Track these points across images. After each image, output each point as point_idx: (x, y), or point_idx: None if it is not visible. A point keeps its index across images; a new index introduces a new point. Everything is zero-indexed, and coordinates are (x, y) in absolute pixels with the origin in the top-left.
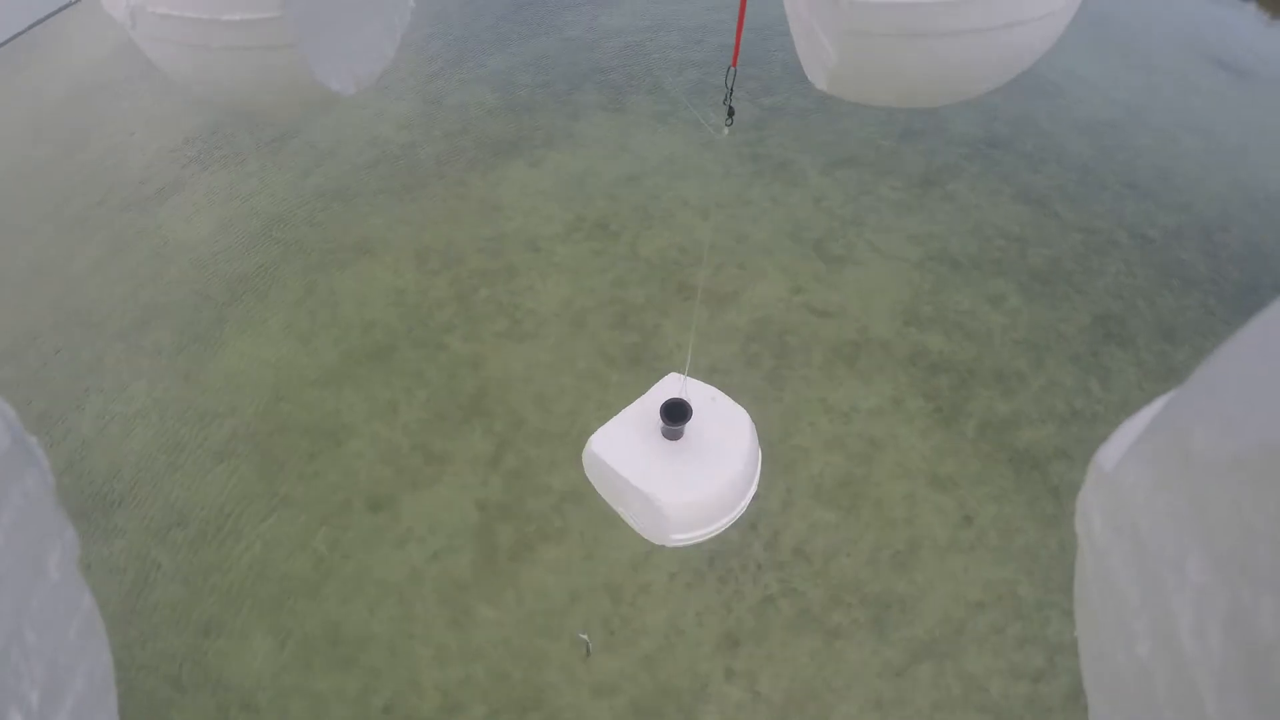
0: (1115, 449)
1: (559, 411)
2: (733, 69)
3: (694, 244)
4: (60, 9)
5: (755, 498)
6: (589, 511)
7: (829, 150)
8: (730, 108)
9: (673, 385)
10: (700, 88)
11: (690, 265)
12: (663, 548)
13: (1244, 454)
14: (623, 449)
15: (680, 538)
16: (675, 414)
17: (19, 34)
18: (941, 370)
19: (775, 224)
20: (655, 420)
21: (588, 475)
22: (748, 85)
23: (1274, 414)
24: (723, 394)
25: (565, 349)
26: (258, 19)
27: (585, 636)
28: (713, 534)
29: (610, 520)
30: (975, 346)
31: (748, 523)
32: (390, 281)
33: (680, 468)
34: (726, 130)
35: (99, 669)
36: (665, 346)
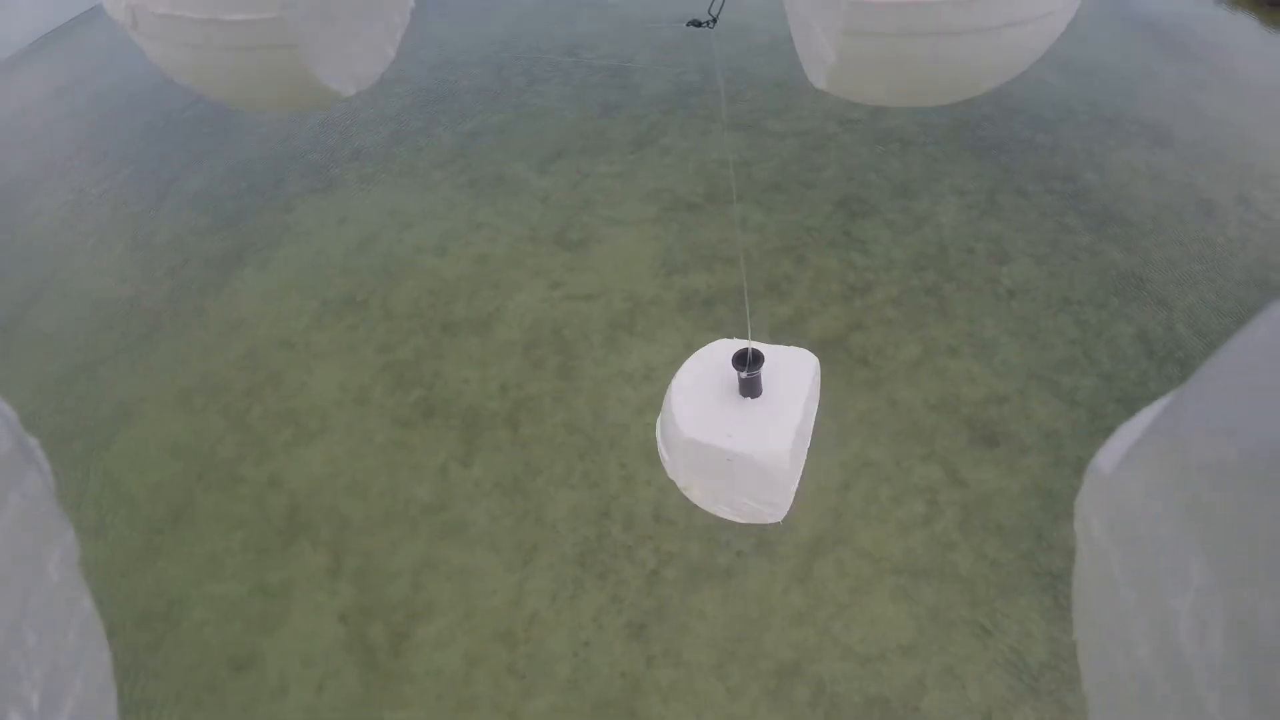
0: (1113, 452)
1: (376, 492)
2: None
3: (441, 283)
4: None
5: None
6: (444, 573)
7: (537, 150)
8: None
9: (714, 353)
10: (399, 136)
11: (446, 303)
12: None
13: (1240, 457)
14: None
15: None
16: (749, 363)
17: None
18: (716, 301)
19: (512, 234)
20: (719, 386)
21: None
22: (442, 118)
23: (1270, 418)
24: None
25: (357, 431)
26: (258, 19)
27: None
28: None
29: (471, 570)
30: (737, 269)
31: (599, 512)
32: (162, 438)
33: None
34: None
35: (99, 670)
36: (452, 388)
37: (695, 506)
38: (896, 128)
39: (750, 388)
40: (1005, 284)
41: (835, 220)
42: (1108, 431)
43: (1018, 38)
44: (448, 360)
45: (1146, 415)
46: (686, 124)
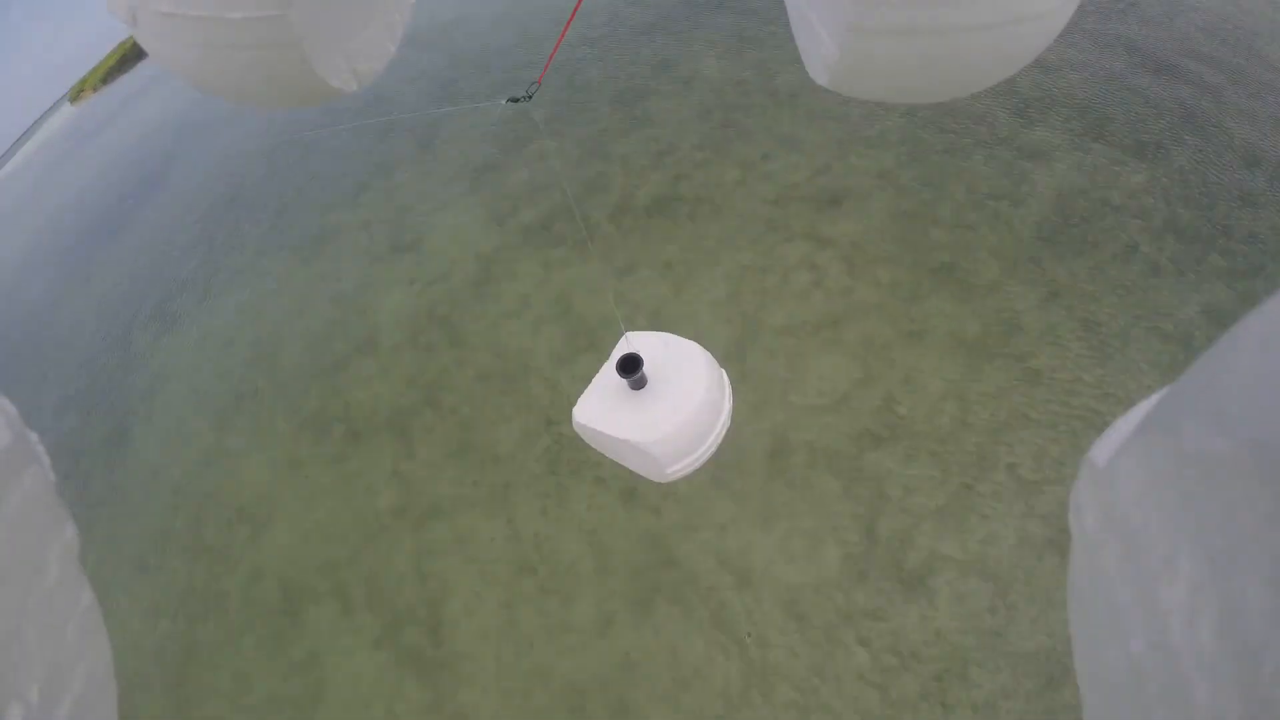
0: (1108, 445)
1: (346, 525)
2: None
3: (313, 335)
4: None
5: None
6: (440, 552)
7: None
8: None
9: (622, 346)
10: (211, 249)
11: (326, 346)
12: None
13: (1236, 451)
14: (600, 411)
15: (676, 469)
16: (630, 366)
17: None
18: (552, 221)
19: (355, 266)
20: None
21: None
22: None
23: (1266, 411)
24: (673, 336)
25: (304, 490)
26: (260, 17)
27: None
28: (703, 458)
29: (463, 535)
30: (554, 193)
31: (545, 421)
32: (134, 609)
33: (652, 409)
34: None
35: (99, 666)
36: (366, 406)
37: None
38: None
39: (637, 385)
40: (783, 92)
41: (619, 114)
42: None
43: (1023, 32)
44: (351, 389)
45: (1142, 409)
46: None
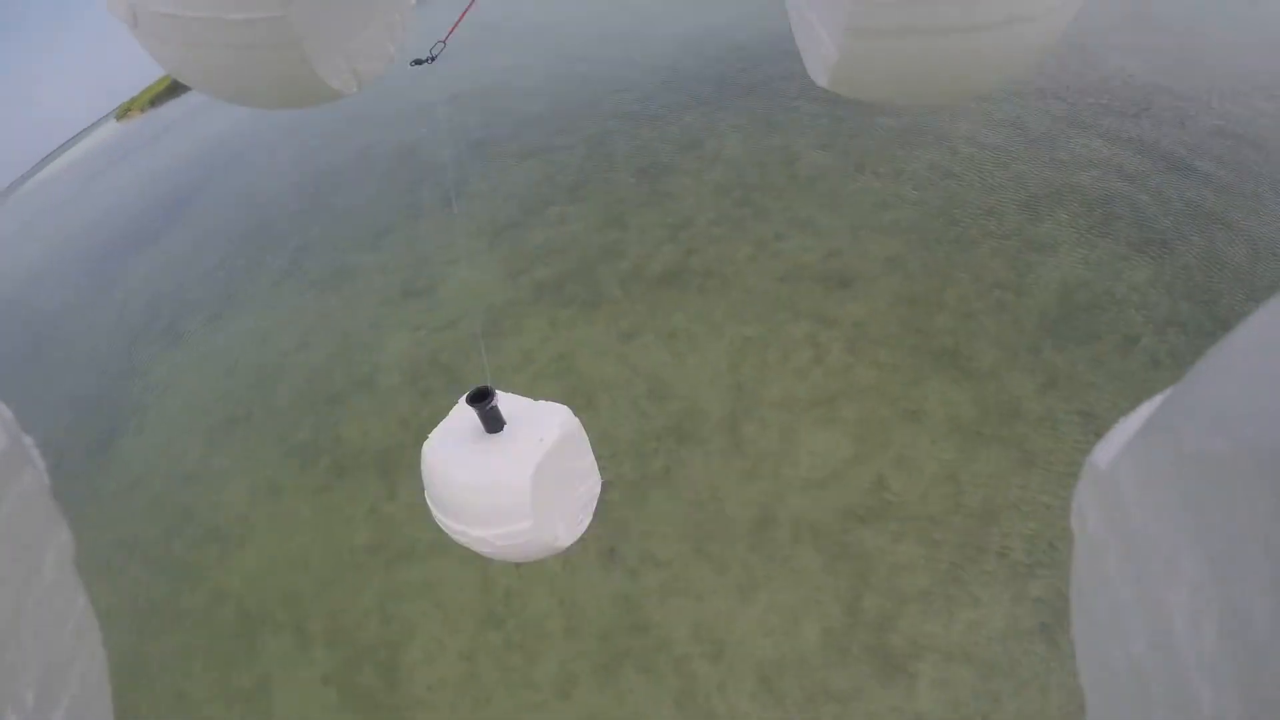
0: (1110, 447)
1: (317, 558)
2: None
3: (313, 369)
4: None
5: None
6: (409, 594)
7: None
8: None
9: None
10: (230, 275)
11: (325, 381)
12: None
13: (1238, 453)
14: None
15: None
16: (480, 397)
17: None
18: (566, 282)
19: (366, 306)
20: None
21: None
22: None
23: (1268, 413)
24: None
25: (280, 517)
26: (261, 18)
27: None
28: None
29: (433, 580)
30: (570, 256)
31: None
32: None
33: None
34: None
35: (94, 669)
36: (355, 443)
37: (618, 437)
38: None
39: (491, 421)
40: (803, 176)
41: (641, 187)
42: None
43: (1024, 33)
44: (343, 424)
45: (1144, 410)
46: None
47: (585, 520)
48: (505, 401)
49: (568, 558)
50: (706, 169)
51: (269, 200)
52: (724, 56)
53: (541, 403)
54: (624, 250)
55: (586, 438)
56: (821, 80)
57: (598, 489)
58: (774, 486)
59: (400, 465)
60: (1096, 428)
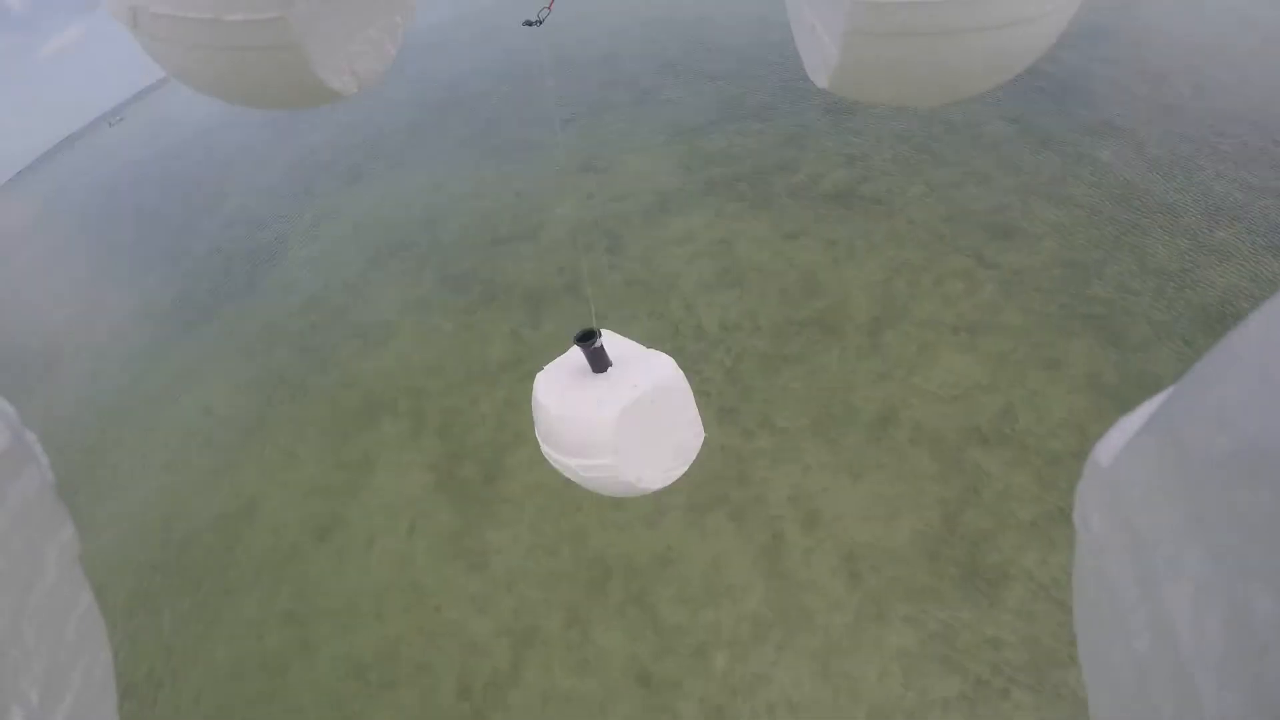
0: (1112, 445)
1: (451, 365)
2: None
3: (484, 216)
4: None
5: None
6: (529, 408)
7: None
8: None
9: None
10: (416, 129)
11: (492, 227)
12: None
13: (1238, 450)
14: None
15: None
16: (587, 337)
17: None
18: (738, 180)
19: (541, 174)
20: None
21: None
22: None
23: (1266, 411)
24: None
25: (424, 327)
26: (260, 19)
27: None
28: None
29: None
30: (748, 162)
31: (670, 331)
32: (228, 381)
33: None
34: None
35: (98, 666)
36: (510, 278)
37: (761, 315)
38: None
39: (596, 361)
40: (987, 139)
41: (827, 119)
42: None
43: (1021, 35)
44: (502, 263)
45: (1145, 409)
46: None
47: (679, 469)
48: (618, 345)
49: None
50: (892, 117)
51: (464, 83)
52: None
53: (652, 352)
54: (798, 167)
55: (690, 391)
56: (821, 81)
57: (698, 441)
58: (902, 391)
59: (550, 302)
60: None
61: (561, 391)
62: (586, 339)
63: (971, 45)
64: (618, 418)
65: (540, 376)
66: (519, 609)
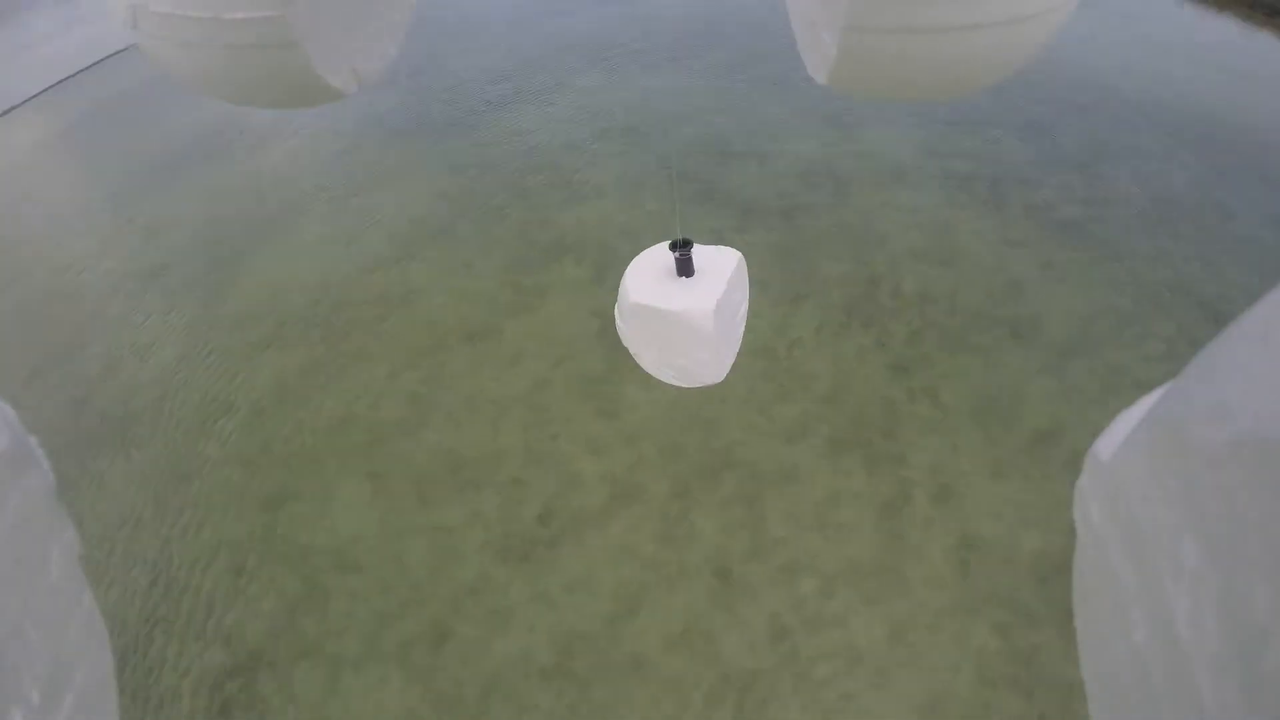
0: (1112, 439)
1: (649, 238)
2: None
3: (718, 131)
4: None
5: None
6: None
7: None
8: None
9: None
10: None
11: (724, 145)
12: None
13: (1237, 444)
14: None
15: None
16: (681, 248)
17: None
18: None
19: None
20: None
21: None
22: None
23: (1266, 405)
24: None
25: (633, 200)
26: (260, 17)
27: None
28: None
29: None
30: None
31: (866, 280)
32: (429, 190)
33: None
34: None
35: (99, 666)
36: (733, 186)
37: (960, 297)
38: None
39: (684, 267)
40: None
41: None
42: None
43: (1019, 33)
44: (727, 176)
45: (1145, 403)
46: None
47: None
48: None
49: (864, 358)
50: None
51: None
52: None
53: (720, 247)
54: (1040, 184)
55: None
56: (821, 78)
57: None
58: (1073, 419)
59: (758, 216)
60: None
61: (657, 290)
62: (682, 246)
63: (971, 42)
64: (714, 312)
65: (632, 269)
66: (633, 465)
